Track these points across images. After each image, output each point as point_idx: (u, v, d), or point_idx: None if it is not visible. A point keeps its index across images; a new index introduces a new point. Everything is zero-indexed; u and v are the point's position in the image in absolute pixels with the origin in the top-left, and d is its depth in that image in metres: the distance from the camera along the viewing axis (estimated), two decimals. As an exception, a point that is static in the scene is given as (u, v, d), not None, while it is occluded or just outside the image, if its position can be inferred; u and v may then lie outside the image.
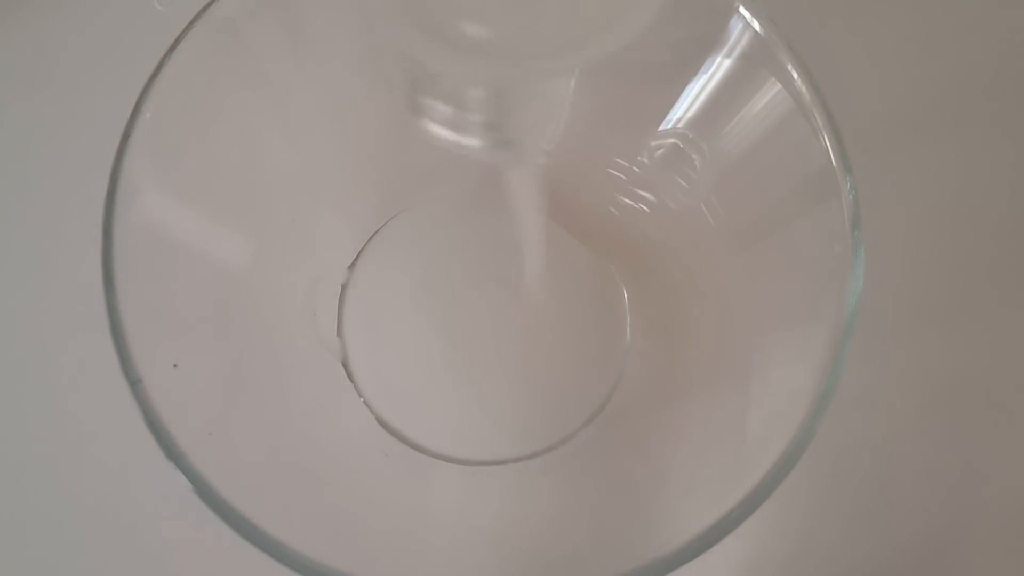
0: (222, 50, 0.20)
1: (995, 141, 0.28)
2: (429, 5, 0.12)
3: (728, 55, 0.21)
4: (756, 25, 0.21)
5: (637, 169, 0.25)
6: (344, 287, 0.26)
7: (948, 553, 0.24)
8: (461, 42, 0.12)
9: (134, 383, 0.18)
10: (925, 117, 0.28)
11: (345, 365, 0.25)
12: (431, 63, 0.13)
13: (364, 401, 0.25)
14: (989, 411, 0.26)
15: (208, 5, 0.19)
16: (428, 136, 0.15)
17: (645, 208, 0.25)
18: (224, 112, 0.21)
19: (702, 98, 0.23)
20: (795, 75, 0.20)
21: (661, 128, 0.24)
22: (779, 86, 0.21)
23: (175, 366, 0.19)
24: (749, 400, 0.21)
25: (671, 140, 0.24)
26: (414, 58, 0.12)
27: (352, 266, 0.26)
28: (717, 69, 0.22)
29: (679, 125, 0.23)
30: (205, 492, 0.17)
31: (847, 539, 0.24)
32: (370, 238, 0.27)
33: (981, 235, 0.27)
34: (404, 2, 0.12)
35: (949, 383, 0.26)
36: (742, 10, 0.21)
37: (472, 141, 0.15)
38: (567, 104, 0.16)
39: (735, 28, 0.21)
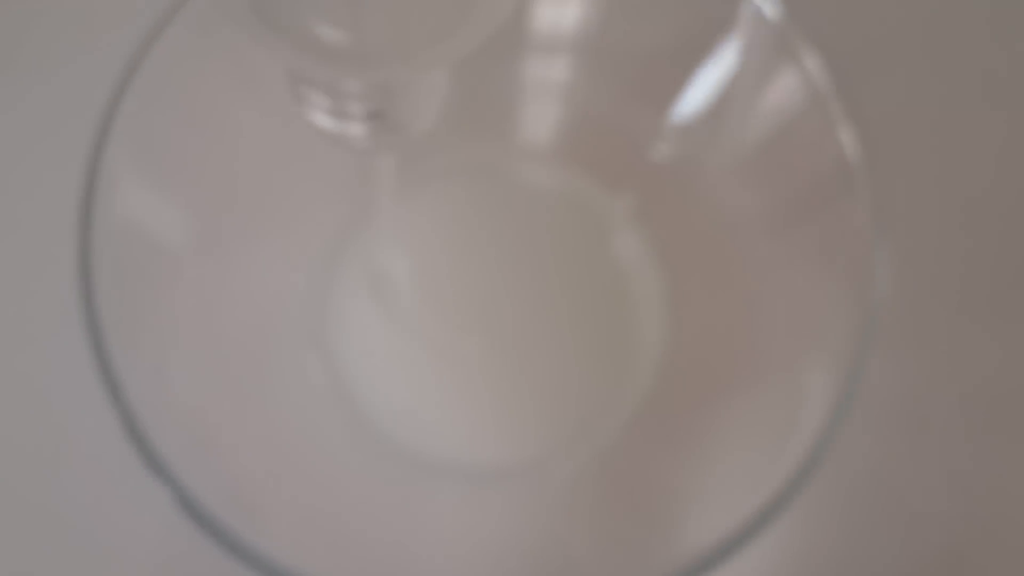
0: (205, 38, 0.19)
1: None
2: (277, 6, 0.11)
3: (740, 41, 0.21)
4: (767, 9, 0.20)
5: (651, 158, 0.24)
6: (335, 287, 0.26)
7: (971, 566, 0.24)
8: (317, 45, 0.12)
9: (115, 390, 0.17)
10: (952, 105, 0.27)
11: (336, 371, 0.25)
12: (292, 62, 0.14)
13: (357, 409, 0.24)
14: (1018, 418, 0.25)
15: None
16: (313, 125, 0.16)
17: (658, 196, 0.25)
18: (207, 101, 0.20)
19: (713, 86, 0.22)
20: (810, 62, 0.20)
21: (671, 117, 0.23)
22: (794, 74, 0.20)
23: (158, 372, 0.18)
24: (767, 406, 0.20)
25: (681, 129, 0.23)
26: (276, 56, 0.13)
27: (343, 265, 0.26)
28: (728, 56, 0.21)
29: (689, 114, 0.23)
30: (189, 504, 0.17)
31: (867, 551, 0.24)
32: (363, 236, 0.26)
33: (1015, 231, 0.26)
34: (253, 2, 0.12)
35: (977, 389, 0.25)
36: (754, -6, 0.20)
37: (355, 129, 0.16)
38: (445, 86, 0.16)
39: (746, 13, 0.20)
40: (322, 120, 0.16)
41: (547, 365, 0.25)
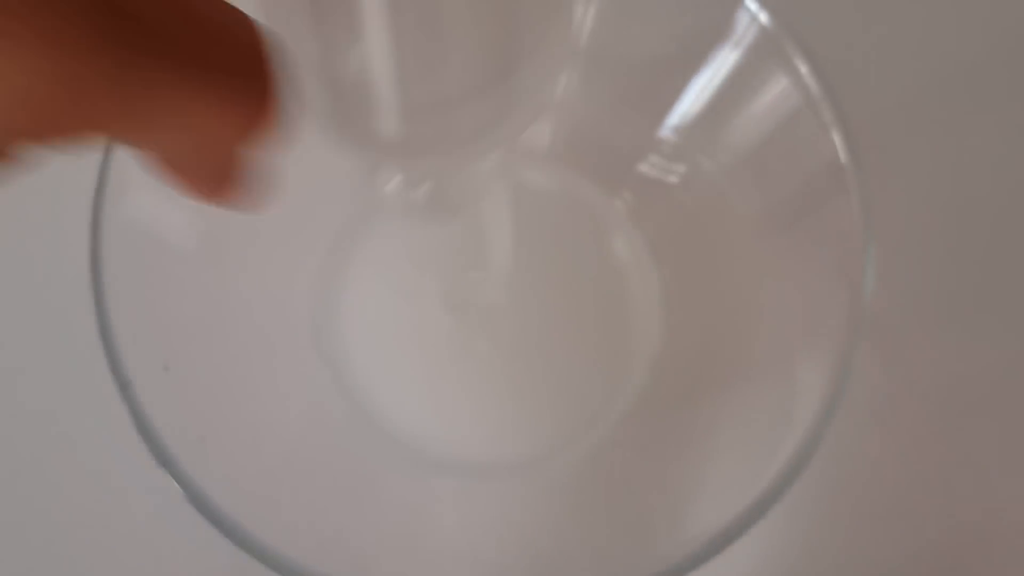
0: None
1: (1016, 136, 0.27)
2: (341, 109, 0.12)
3: (734, 48, 0.21)
4: (762, 17, 0.20)
5: (648, 161, 0.25)
6: (338, 286, 0.26)
7: (958, 561, 0.24)
8: (382, 144, 0.13)
9: (124, 386, 0.17)
10: (940, 110, 0.27)
11: (340, 369, 0.25)
12: (363, 157, 0.15)
13: (360, 406, 0.24)
14: (1003, 417, 0.25)
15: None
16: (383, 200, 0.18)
17: (655, 197, 0.25)
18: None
19: (708, 92, 0.22)
20: (803, 68, 0.20)
21: (667, 122, 0.23)
22: (787, 79, 0.20)
23: (166, 369, 0.19)
24: (760, 401, 0.20)
25: (677, 134, 0.23)
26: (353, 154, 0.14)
27: (346, 265, 0.26)
28: (723, 62, 0.21)
29: (685, 119, 0.23)
30: (197, 498, 0.17)
31: (855, 547, 0.24)
32: (366, 237, 0.26)
33: (1001, 234, 0.26)
34: (322, 112, 0.12)
35: (966, 385, 0.25)
36: (748, 1, 0.20)
37: (422, 203, 0.18)
38: (493, 174, 0.18)
39: (741, 20, 0.21)
40: (396, 195, 0.17)
41: (546, 362, 0.25)
